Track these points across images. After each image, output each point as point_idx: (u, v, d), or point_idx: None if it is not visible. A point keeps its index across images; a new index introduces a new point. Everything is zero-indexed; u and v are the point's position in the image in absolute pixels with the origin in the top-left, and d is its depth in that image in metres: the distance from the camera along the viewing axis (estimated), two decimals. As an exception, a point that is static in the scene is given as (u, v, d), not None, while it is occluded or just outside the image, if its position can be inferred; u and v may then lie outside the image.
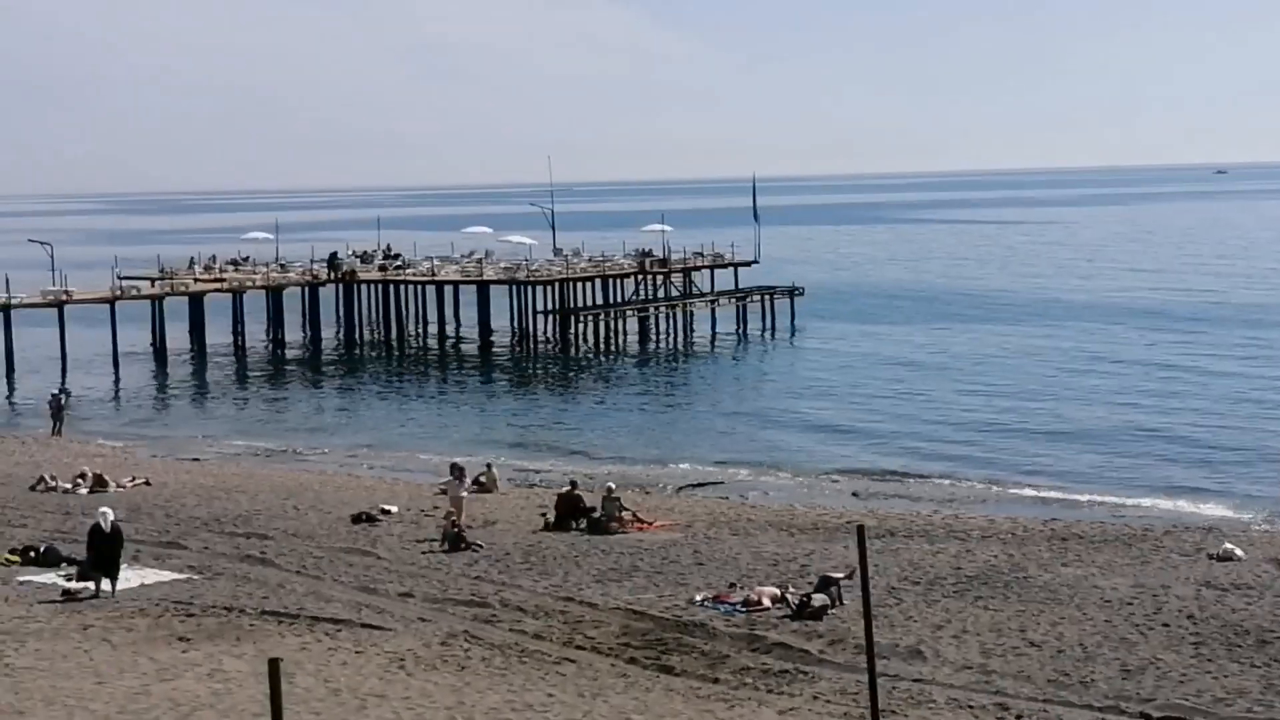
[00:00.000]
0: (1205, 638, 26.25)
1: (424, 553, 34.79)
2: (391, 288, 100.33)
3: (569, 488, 40.13)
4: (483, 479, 45.01)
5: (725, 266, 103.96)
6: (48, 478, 45.74)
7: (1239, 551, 33.75)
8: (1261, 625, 26.98)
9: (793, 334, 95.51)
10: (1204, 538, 36.60)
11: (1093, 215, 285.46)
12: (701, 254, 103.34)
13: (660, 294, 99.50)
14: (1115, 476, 48.83)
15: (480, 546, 34.95)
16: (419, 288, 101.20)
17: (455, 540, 35.14)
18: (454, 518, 36.51)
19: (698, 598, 29.26)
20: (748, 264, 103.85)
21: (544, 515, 39.28)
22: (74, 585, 30.00)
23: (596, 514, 38.14)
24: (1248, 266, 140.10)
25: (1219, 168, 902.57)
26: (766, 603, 28.38)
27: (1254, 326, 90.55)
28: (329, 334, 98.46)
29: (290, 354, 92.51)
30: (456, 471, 40.36)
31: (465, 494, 39.52)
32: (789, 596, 28.36)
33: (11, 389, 77.45)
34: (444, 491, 43.97)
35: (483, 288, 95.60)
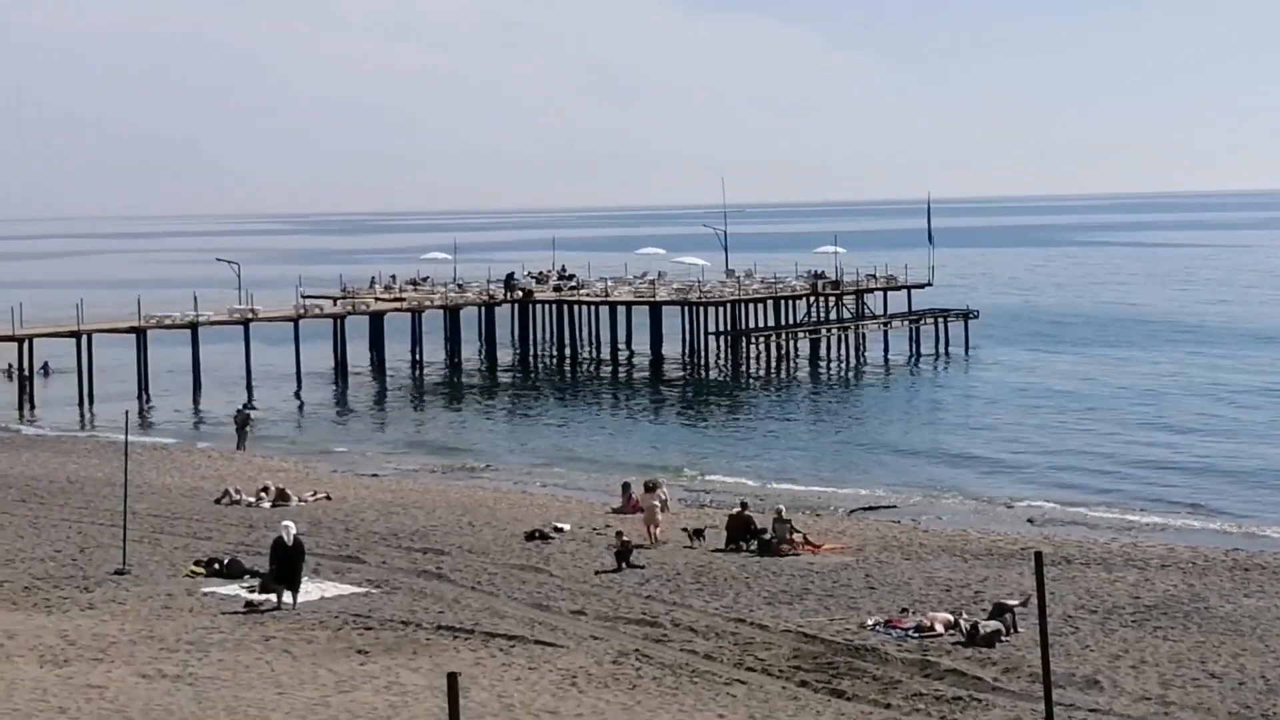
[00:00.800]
0: (1396, 674, 25.44)
1: (596, 571, 35.07)
2: (566, 308, 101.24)
3: (739, 508, 40.20)
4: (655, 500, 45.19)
5: (898, 288, 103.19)
6: (232, 491, 46.91)
7: None
8: None
9: (967, 357, 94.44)
10: (1395, 571, 35.46)
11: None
12: (874, 276, 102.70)
13: (832, 316, 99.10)
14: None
15: (641, 567, 35.16)
16: (593, 308, 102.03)
17: (624, 555, 35.44)
18: (624, 537, 36.86)
19: (869, 622, 29.11)
20: (921, 286, 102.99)
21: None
22: (256, 597, 30.64)
23: (767, 535, 38.14)
24: None
25: None
26: (939, 628, 28.14)
27: None
28: (505, 353, 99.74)
29: (467, 372, 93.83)
30: (649, 485, 41.33)
31: (659, 503, 40.34)
32: (962, 622, 28.09)
33: (198, 404, 79.61)
34: (616, 511, 44.47)
35: (655, 308, 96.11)
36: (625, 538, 36.68)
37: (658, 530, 39.49)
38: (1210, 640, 27.81)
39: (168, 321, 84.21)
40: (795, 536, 38.25)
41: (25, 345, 79.67)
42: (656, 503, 40.25)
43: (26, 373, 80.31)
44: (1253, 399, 72.93)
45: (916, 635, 27.94)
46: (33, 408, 78.06)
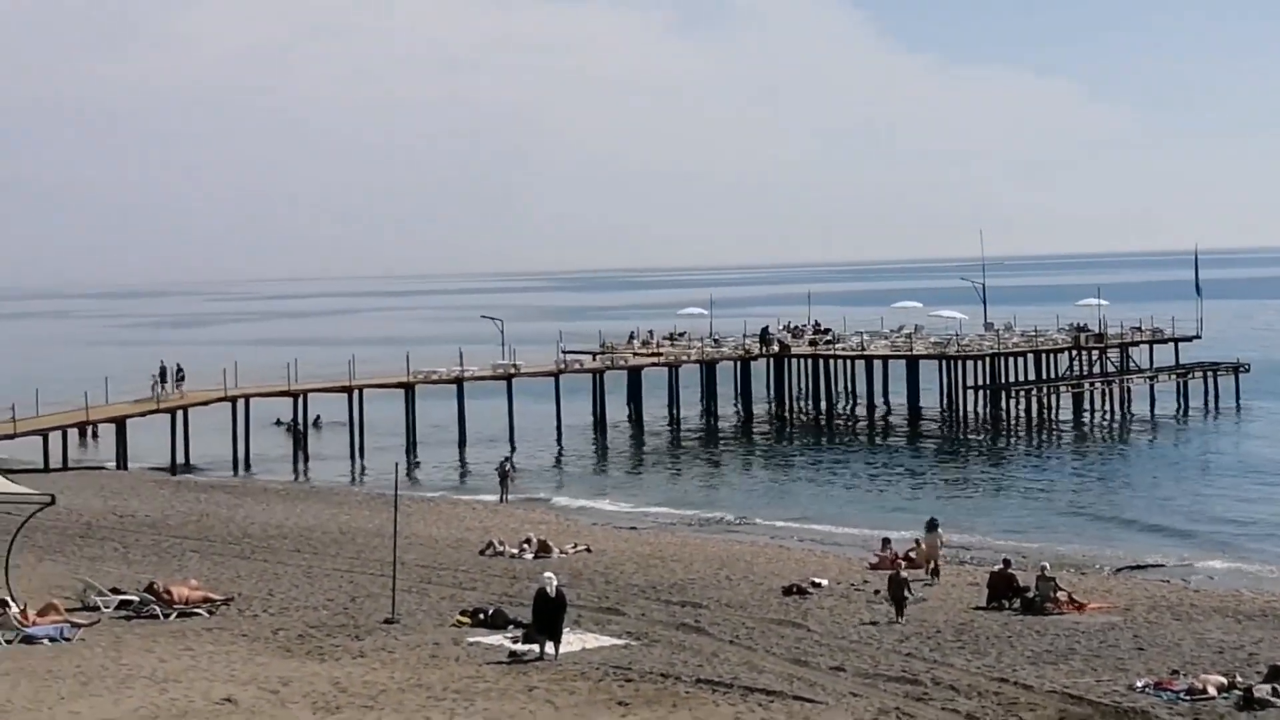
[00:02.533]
0: None
1: (855, 626, 34.88)
2: (821, 362, 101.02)
3: (1002, 565, 39.60)
4: (913, 554, 44.82)
5: (1165, 342, 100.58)
6: (496, 543, 47.88)
7: None
8: None
9: (1238, 412, 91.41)
10: None
11: None
12: (1139, 328, 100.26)
13: (1096, 369, 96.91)
14: None
15: (901, 622, 34.97)
16: (848, 362, 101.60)
17: (899, 589, 35.48)
18: (902, 572, 37.10)
19: (1138, 684, 28.35)
20: (1189, 339, 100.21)
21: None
22: (519, 647, 31.11)
23: (1030, 594, 37.48)
24: None
25: None
26: (1212, 691, 27.29)
27: None
28: (760, 407, 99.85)
29: (723, 426, 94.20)
30: (930, 524, 43.26)
31: (939, 540, 42.65)
32: (1237, 686, 27.19)
33: (463, 457, 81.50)
34: (874, 566, 44.18)
35: (912, 363, 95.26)
36: (903, 573, 36.82)
37: (934, 566, 41.16)
38: None
39: (435, 377, 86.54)
40: (1059, 595, 37.53)
41: (300, 400, 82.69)
42: (937, 540, 42.04)
43: (301, 427, 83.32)
44: None
45: (1188, 698, 27.12)
46: (306, 461, 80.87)
